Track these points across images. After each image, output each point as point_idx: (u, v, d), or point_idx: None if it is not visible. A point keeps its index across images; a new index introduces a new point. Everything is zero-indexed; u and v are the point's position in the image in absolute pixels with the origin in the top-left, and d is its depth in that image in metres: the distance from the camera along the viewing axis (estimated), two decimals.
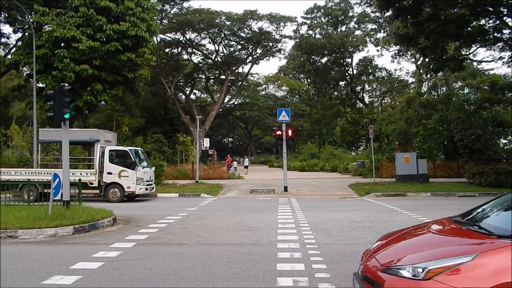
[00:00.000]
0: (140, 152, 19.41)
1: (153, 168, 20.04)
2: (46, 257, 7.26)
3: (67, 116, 11.10)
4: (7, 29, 32.73)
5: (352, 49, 41.58)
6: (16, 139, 39.37)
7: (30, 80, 24.00)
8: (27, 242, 8.71)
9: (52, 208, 10.46)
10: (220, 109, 50.51)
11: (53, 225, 9.54)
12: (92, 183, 17.38)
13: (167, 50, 44.15)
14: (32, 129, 25.33)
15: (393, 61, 58.58)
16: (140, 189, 17.78)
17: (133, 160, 17.94)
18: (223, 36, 42.25)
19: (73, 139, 18.97)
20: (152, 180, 19.12)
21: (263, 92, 67.20)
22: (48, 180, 17.06)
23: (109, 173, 17.66)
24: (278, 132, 21.74)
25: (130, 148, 19.28)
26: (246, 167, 39.15)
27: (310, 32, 42.78)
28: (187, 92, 50.96)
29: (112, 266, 6.53)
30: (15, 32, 26.56)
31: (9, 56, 24.23)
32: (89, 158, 20.21)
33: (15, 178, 17.34)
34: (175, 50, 45.20)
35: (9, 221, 9.60)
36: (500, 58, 25.42)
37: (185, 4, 39.97)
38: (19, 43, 24.25)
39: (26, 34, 23.36)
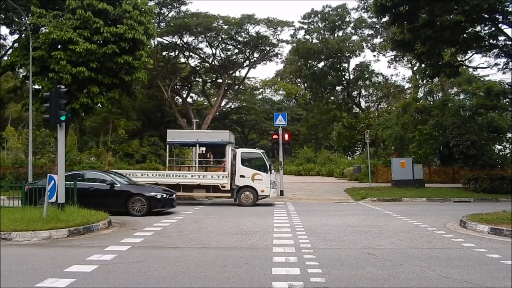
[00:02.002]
0: (265, 154, 19.10)
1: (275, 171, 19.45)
2: (40, 259, 7.22)
3: (63, 118, 11.04)
4: (3, 30, 32.69)
5: (348, 54, 41.71)
6: (11, 141, 39.24)
7: (26, 81, 23.84)
8: (21, 245, 8.65)
9: (47, 211, 10.40)
10: (217, 113, 50.44)
11: (48, 227, 9.48)
12: (224, 186, 17.08)
13: (164, 53, 44.11)
14: (27, 131, 25.20)
15: (390, 67, 58.85)
16: (273, 192, 17.50)
17: (266, 163, 17.67)
18: (220, 40, 42.27)
19: (205, 141, 18.87)
20: (276, 184, 18.75)
21: (260, 96, 67.22)
22: (176, 182, 17.16)
23: (241, 176, 17.28)
24: (275, 136, 21.79)
25: (261, 150, 19.08)
26: None
27: (307, 36, 42.90)
28: (184, 95, 50.88)
29: (107, 269, 6.50)
30: (11, 33, 26.47)
31: (5, 58, 24.09)
32: (216, 160, 19.72)
33: (142, 181, 16.96)
34: (172, 53, 45.17)
35: (3, 223, 9.53)
36: (496, 64, 25.66)
37: (183, 8, 39.99)
38: (16, 44, 24.13)
39: (23, 35, 23.27)
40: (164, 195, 14.02)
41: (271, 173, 17.46)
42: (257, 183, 17.21)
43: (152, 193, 13.81)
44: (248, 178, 17.28)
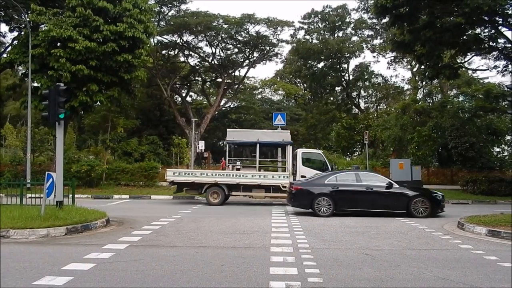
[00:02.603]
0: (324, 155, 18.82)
1: None
2: (38, 257, 7.21)
3: (62, 116, 11.03)
4: (3, 27, 32.52)
5: (348, 54, 41.71)
6: (10, 139, 39.19)
7: (26, 79, 23.82)
8: (19, 242, 8.64)
9: (44, 208, 10.39)
10: (216, 112, 50.43)
11: (46, 225, 9.48)
12: (285, 187, 16.75)
13: (164, 52, 44.05)
14: (26, 128, 25.17)
15: (389, 68, 58.91)
16: None
17: (326, 163, 17.55)
18: (220, 39, 42.23)
19: (266, 141, 18.57)
20: None
21: (259, 96, 67.19)
22: (237, 182, 17.02)
23: (302, 176, 17.15)
24: None
25: (321, 151, 18.80)
26: (238, 169, 39.43)
27: (307, 37, 42.88)
28: (183, 95, 50.85)
29: (104, 268, 6.50)
30: (11, 31, 26.39)
31: (5, 55, 24.07)
32: (279, 161, 19.39)
33: (200, 180, 17.07)
34: (172, 52, 45.12)
35: (1, 221, 9.52)
36: (495, 67, 25.67)
37: (183, 7, 39.94)
38: (15, 42, 24.12)
39: (22, 33, 23.22)
40: (442, 196, 13.80)
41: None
42: None
43: (433, 194, 13.64)
44: None
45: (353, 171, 14.67)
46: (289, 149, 17.67)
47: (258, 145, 18.28)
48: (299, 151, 17.92)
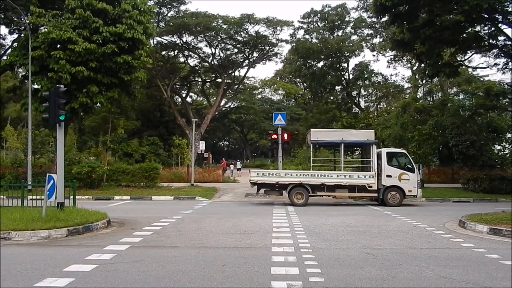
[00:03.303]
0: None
1: None
2: (39, 259, 7.21)
3: (62, 118, 11.03)
4: (3, 30, 32.74)
5: (348, 53, 41.76)
6: (11, 141, 39.16)
7: (26, 81, 23.81)
8: (20, 244, 8.64)
9: (45, 210, 10.39)
10: (216, 112, 50.50)
11: (47, 227, 9.48)
12: (371, 186, 16.87)
13: (163, 52, 44.10)
14: (27, 130, 25.18)
15: (389, 66, 58.85)
16: (420, 192, 17.33)
17: (411, 162, 17.55)
18: (219, 39, 42.28)
19: (351, 140, 18.41)
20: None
21: (259, 96, 67.29)
22: (321, 182, 16.96)
23: (388, 176, 17.07)
24: (274, 136, 21.73)
25: (405, 150, 18.69)
26: (238, 169, 39.97)
27: (307, 36, 42.98)
28: (183, 95, 50.92)
29: (106, 269, 6.50)
30: (10, 33, 26.40)
31: (5, 57, 24.07)
32: (362, 160, 19.16)
33: (285, 181, 17.12)
34: (172, 53, 45.17)
35: (2, 222, 9.52)
36: (495, 64, 25.66)
37: (182, 7, 40.01)
38: (15, 44, 24.12)
39: (22, 35, 23.24)
40: None
41: (419, 172, 17.30)
42: (404, 183, 17.05)
43: None
44: (395, 178, 17.09)
45: None
46: (374, 148, 17.52)
47: (342, 145, 18.11)
48: (384, 150, 17.76)
